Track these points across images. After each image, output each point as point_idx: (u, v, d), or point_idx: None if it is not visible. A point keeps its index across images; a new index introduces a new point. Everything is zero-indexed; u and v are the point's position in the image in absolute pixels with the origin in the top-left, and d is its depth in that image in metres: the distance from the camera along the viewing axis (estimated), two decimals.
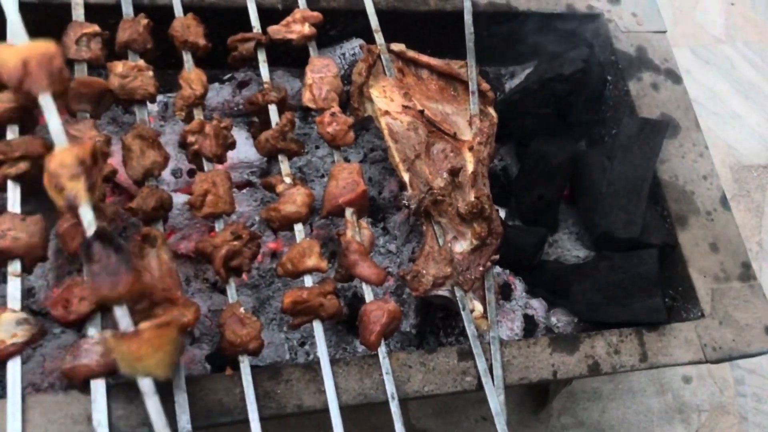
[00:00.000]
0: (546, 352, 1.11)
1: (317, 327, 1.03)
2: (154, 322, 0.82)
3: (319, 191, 1.23)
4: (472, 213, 1.12)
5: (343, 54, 1.34)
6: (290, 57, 1.36)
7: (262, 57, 1.20)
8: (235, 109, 1.32)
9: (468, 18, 1.33)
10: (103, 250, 0.82)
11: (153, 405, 0.83)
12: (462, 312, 1.10)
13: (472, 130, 1.23)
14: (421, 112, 1.21)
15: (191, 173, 1.21)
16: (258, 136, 1.26)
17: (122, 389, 0.94)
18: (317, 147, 1.34)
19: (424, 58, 1.29)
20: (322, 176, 1.32)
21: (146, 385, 0.82)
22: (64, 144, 0.89)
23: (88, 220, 0.83)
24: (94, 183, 0.85)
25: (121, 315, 0.82)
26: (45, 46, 0.93)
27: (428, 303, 1.21)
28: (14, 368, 0.90)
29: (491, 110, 1.28)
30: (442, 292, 1.11)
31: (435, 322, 1.25)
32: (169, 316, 0.87)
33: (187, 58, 1.16)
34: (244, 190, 1.23)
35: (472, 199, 1.15)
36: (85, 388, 0.92)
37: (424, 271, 1.10)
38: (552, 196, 1.29)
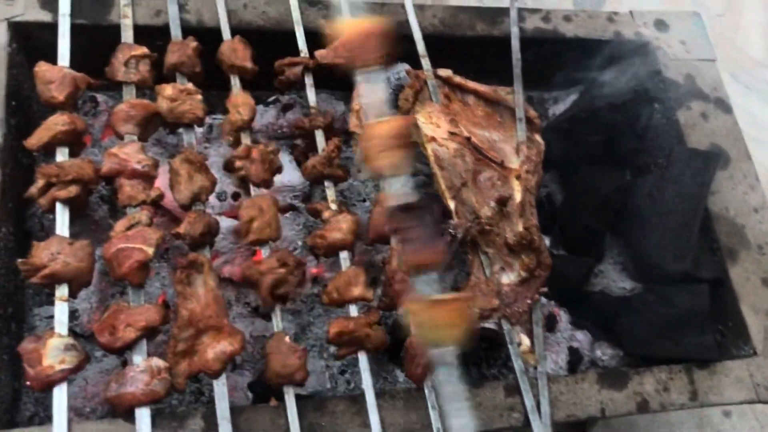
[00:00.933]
0: (594, 389, 1.08)
1: (362, 359, 1.01)
2: (457, 295, 0.90)
3: (361, 215, 1.22)
4: (521, 244, 1.10)
5: (388, 78, 1.33)
6: (334, 80, 1.35)
7: (309, 81, 1.19)
8: (279, 131, 1.31)
9: (515, 44, 1.32)
10: (417, 220, 0.85)
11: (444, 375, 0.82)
12: (509, 346, 1.08)
13: (519, 158, 1.22)
14: (468, 139, 1.19)
15: (236, 196, 1.21)
16: (301, 160, 1.26)
17: (166, 417, 0.92)
18: (359, 171, 1.32)
19: (471, 84, 1.27)
20: (364, 200, 1.31)
21: (437, 354, 0.83)
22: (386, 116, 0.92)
23: (404, 191, 0.85)
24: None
25: (431, 282, 0.84)
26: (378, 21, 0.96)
27: (472, 334, 1.18)
28: (61, 394, 0.89)
29: (538, 137, 1.27)
30: (489, 324, 1.09)
31: (478, 354, 1.23)
32: (471, 293, 0.95)
33: (235, 82, 1.16)
34: (287, 214, 1.22)
35: (520, 229, 1.13)
36: (129, 416, 0.91)
37: (470, 304, 1.08)
38: (600, 226, 1.26)
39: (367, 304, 1.06)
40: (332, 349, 1.18)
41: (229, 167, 1.10)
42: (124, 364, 1.07)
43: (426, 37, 1.28)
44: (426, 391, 1.00)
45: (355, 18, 0.96)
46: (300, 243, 1.21)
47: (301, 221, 1.24)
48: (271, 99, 1.33)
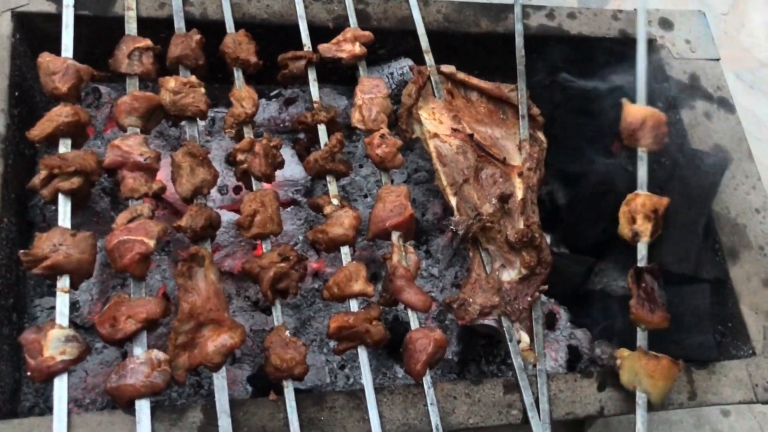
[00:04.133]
0: (593, 387, 1.08)
1: (362, 354, 1.01)
2: (669, 359, 1.05)
3: (362, 211, 1.22)
4: (522, 241, 1.10)
5: (391, 73, 1.33)
6: (336, 75, 1.35)
7: (312, 76, 1.19)
8: (281, 125, 1.31)
9: (519, 41, 1.31)
10: (652, 283, 1.11)
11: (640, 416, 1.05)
12: (509, 343, 1.08)
13: (521, 155, 1.21)
14: (470, 135, 1.19)
15: (237, 190, 1.21)
16: (303, 154, 1.26)
17: (166, 410, 0.93)
18: (361, 166, 1.32)
19: (474, 81, 1.27)
20: (365, 196, 1.30)
21: (640, 397, 1.06)
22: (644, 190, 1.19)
23: (643, 255, 1.14)
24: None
25: (642, 338, 1.09)
26: (658, 114, 1.23)
27: (471, 330, 1.19)
28: (61, 385, 0.89)
29: (541, 135, 1.26)
30: (489, 321, 1.09)
31: (476, 350, 1.23)
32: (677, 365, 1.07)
33: (238, 75, 1.15)
34: (289, 209, 1.22)
35: (522, 226, 1.13)
36: (129, 407, 0.91)
37: (471, 300, 1.08)
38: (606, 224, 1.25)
39: (368, 300, 1.06)
40: (332, 343, 1.18)
41: (231, 160, 1.10)
42: (125, 356, 1.08)
43: (430, 33, 1.28)
44: (425, 387, 1.00)
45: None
46: (301, 237, 1.21)
47: (302, 216, 1.24)
48: (273, 93, 1.33)
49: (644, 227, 1.16)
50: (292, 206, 1.23)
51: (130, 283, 1.11)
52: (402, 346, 1.04)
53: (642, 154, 1.23)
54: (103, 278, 1.10)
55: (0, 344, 0.93)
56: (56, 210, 1.07)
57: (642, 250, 1.15)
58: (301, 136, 1.34)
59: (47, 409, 1.04)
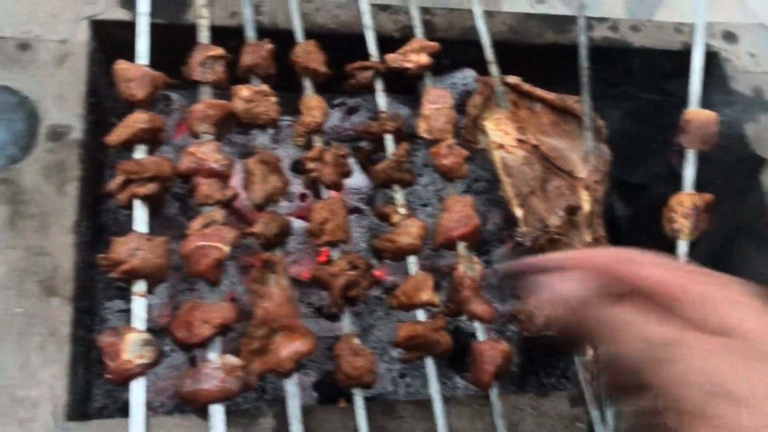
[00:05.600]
0: None
1: (429, 363, 1.01)
2: None
3: (424, 220, 1.22)
4: None
5: (454, 84, 1.33)
6: (397, 84, 1.35)
7: (379, 86, 1.19)
8: (343, 134, 1.33)
9: (583, 52, 1.30)
10: None
11: None
12: (575, 356, 1.07)
13: (587, 168, 1.21)
14: (536, 146, 1.19)
15: (303, 197, 1.22)
16: (365, 163, 1.27)
17: (238, 415, 0.94)
18: (420, 175, 1.33)
19: (539, 92, 1.27)
20: (425, 205, 1.31)
21: None
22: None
23: (683, 252, 1.10)
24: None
25: None
26: (705, 113, 1.17)
27: (532, 342, 1.18)
28: (138, 389, 0.90)
29: (605, 147, 1.26)
30: (553, 333, 1.08)
31: (536, 362, 1.23)
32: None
33: (307, 85, 1.17)
34: (352, 217, 1.23)
35: (588, 239, 1.12)
36: (202, 412, 0.93)
37: (537, 312, 1.08)
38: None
39: (433, 309, 1.07)
40: (394, 352, 1.19)
41: (300, 168, 1.12)
42: (192, 360, 1.09)
43: (494, 43, 1.28)
44: (492, 399, 1.00)
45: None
46: (364, 245, 1.22)
47: (365, 224, 1.25)
48: (336, 102, 1.34)
49: (683, 224, 1.12)
50: (355, 214, 1.24)
51: (199, 288, 1.14)
52: (468, 357, 1.05)
53: (689, 154, 1.17)
54: (172, 282, 1.12)
55: (75, 346, 0.95)
56: (129, 215, 1.09)
57: (682, 247, 1.11)
58: (363, 144, 1.35)
59: (116, 411, 1.06)
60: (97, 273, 1.11)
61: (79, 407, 0.99)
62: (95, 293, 1.11)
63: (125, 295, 1.13)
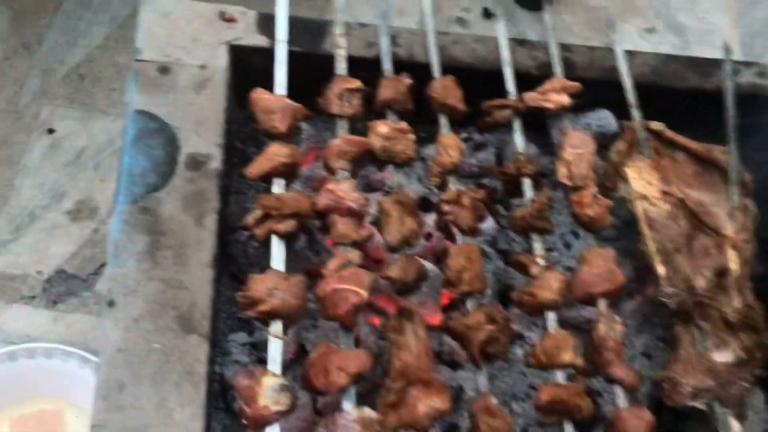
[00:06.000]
0: None
1: (568, 429, 0.95)
2: None
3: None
4: (742, 322, 1.02)
5: (589, 124, 1.27)
6: (525, 123, 1.30)
7: (517, 125, 1.15)
8: (467, 170, 1.28)
9: (729, 100, 1.23)
10: None
11: None
12: (719, 430, 1.00)
13: (734, 225, 1.13)
14: (682, 200, 1.12)
15: (428, 237, 1.18)
16: (488, 203, 1.22)
17: None
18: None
19: (682, 140, 1.20)
20: (550, 249, 1.25)
21: None
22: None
23: None
24: None
25: None
26: None
27: (661, 407, 1.11)
28: None
29: (751, 204, 1.18)
30: (699, 405, 1.02)
31: (665, 426, 1.16)
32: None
33: (444, 122, 1.13)
34: None
35: (738, 304, 1.05)
36: None
37: (683, 381, 1.01)
38: None
39: (573, 371, 1.01)
40: (515, 406, 1.14)
41: (435, 210, 1.07)
42: (314, 402, 1.06)
43: (635, 86, 1.22)
44: None
45: None
46: (489, 291, 1.17)
47: (490, 268, 1.20)
48: (463, 137, 1.29)
49: None
50: None
51: (323, 324, 1.11)
52: (605, 423, 0.99)
53: None
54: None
55: (210, 382, 0.93)
56: (259, 247, 1.07)
57: None
58: (485, 181, 1.30)
59: None
60: (221, 303, 1.09)
61: None
62: (218, 324, 1.09)
63: (248, 327, 1.10)
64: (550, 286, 1.02)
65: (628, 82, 1.21)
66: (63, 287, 1.57)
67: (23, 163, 1.72)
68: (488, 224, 1.22)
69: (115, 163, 1.03)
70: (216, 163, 1.03)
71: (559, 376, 0.98)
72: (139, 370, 0.88)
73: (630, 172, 1.15)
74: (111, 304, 0.91)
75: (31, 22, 1.92)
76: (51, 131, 1.77)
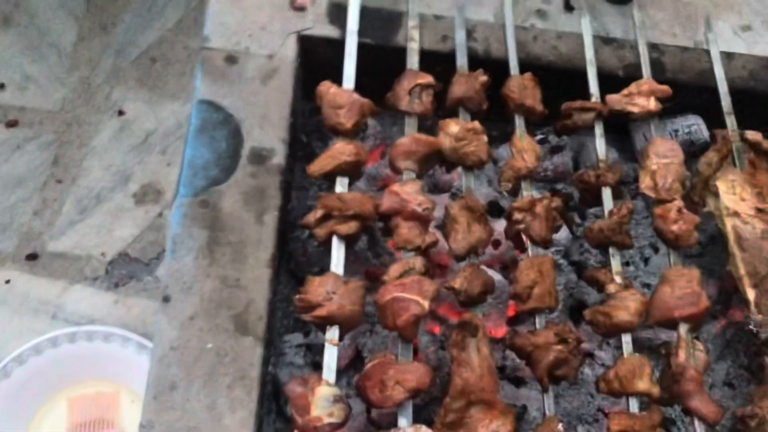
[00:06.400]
0: None
1: None
2: None
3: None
4: None
5: (675, 131, 1.18)
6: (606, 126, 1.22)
7: (599, 130, 1.07)
8: (542, 174, 1.21)
9: None
10: None
11: None
12: None
13: None
14: None
15: (496, 245, 1.11)
16: (562, 210, 1.15)
17: None
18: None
19: None
20: (626, 263, 1.17)
21: None
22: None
23: None
24: None
25: None
26: None
27: None
28: None
29: None
30: None
31: None
32: None
33: (520, 123, 1.06)
34: None
35: None
36: None
37: None
38: None
39: (647, 400, 0.93)
40: (581, 429, 1.07)
41: (505, 218, 1.01)
42: (368, 410, 1.02)
43: (731, 91, 1.12)
44: None
45: None
46: (560, 306, 1.10)
47: (562, 280, 1.13)
48: (538, 139, 1.22)
49: None
50: None
51: (380, 331, 1.07)
52: None
53: None
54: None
55: (263, 386, 0.89)
56: (318, 246, 1.03)
57: None
58: (560, 187, 1.23)
59: None
60: (278, 301, 1.06)
61: None
62: (274, 323, 1.06)
63: (305, 328, 1.07)
64: (627, 306, 0.94)
65: (723, 87, 1.12)
66: (125, 270, 1.58)
67: (92, 144, 1.73)
68: (561, 234, 1.14)
69: (181, 148, 1.01)
70: (279, 158, 1.00)
71: (633, 404, 0.91)
72: (191, 371, 0.86)
73: (721, 185, 1.05)
74: (166, 299, 0.89)
75: (108, 4, 1.93)
76: (121, 113, 1.78)
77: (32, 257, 1.58)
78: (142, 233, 1.63)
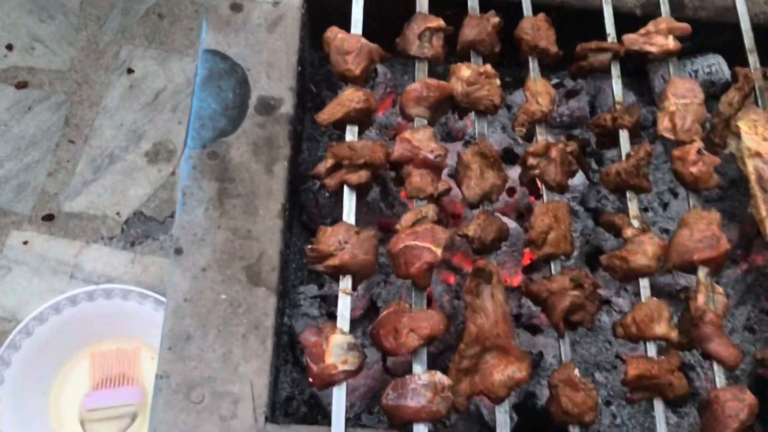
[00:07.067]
0: None
1: (658, 407, 0.87)
2: None
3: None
4: None
5: (696, 71, 1.14)
6: (622, 65, 1.19)
7: (615, 71, 1.03)
8: (558, 120, 1.18)
9: None
10: None
11: None
12: None
13: None
14: None
15: (511, 192, 1.10)
16: (580, 156, 1.12)
17: None
18: None
19: None
20: (645, 209, 1.15)
21: None
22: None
23: None
24: None
25: None
26: None
27: (763, 385, 1.02)
28: (340, 396, 0.83)
29: None
30: None
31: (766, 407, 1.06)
32: None
33: (533, 66, 1.03)
34: None
35: None
36: (403, 428, 0.85)
37: None
38: None
39: (665, 344, 0.92)
40: (599, 375, 1.06)
41: (519, 163, 0.99)
42: (384, 359, 1.02)
43: (753, 28, 1.08)
44: None
45: None
46: (576, 252, 1.09)
47: (577, 228, 1.11)
48: (553, 83, 1.19)
49: None
50: None
51: (394, 281, 1.06)
52: (700, 404, 0.90)
53: None
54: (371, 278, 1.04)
55: (278, 336, 0.89)
56: (330, 197, 1.02)
57: None
58: (576, 132, 1.20)
59: (303, 403, 1.01)
60: (291, 253, 1.05)
61: (273, 401, 0.94)
62: (288, 275, 1.05)
63: (319, 280, 1.07)
64: (644, 250, 0.92)
65: (746, 24, 1.07)
66: (140, 229, 1.58)
67: (103, 104, 1.72)
68: (578, 180, 1.12)
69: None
70: (288, 107, 0.98)
71: (651, 349, 0.89)
72: (205, 321, 0.86)
73: (743, 126, 1.02)
74: (178, 252, 0.89)
75: None
76: (130, 71, 1.77)
77: (48, 218, 1.59)
78: (156, 192, 1.62)
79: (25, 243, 1.56)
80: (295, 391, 1.02)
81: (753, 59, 1.06)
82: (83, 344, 1.39)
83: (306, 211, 1.07)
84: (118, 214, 1.59)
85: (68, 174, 1.64)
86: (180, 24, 1.84)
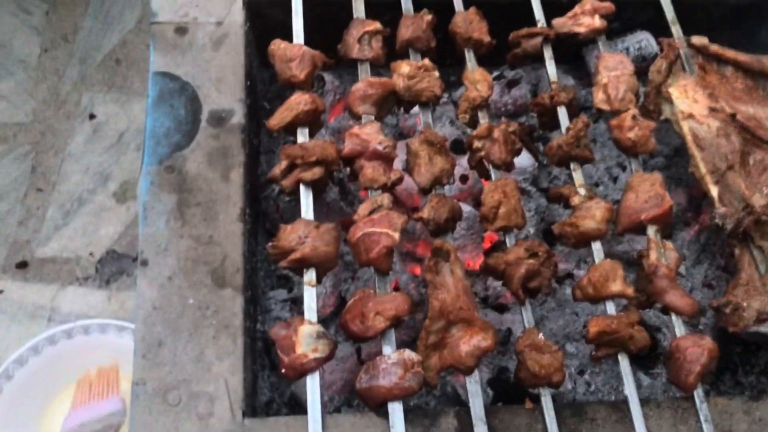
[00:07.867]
0: None
1: (623, 362, 0.90)
2: None
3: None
4: None
5: (627, 48, 1.20)
6: (558, 52, 1.24)
7: (548, 54, 1.09)
8: (503, 109, 1.23)
9: None
10: None
11: None
12: None
13: None
14: (733, 116, 1.04)
15: (464, 179, 1.14)
16: (526, 140, 1.17)
17: (418, 414, 0.87)
18: None
19: (730, 53, 1.12)
20: (596, 184, 1.19)
21: None
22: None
23: None
24: None
25: None
26: None
27: (728, 337, 1.05)
28: (313, 384, 0.86)
29: None
30: (765, 329, 0.95)
31: (733, 359, 1.09)
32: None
33: (470, 57, 1.08)
34: None
35: None
36: (379, 409, 0.87)
37: (745, 304, 0.94)
38: None
39: (624, 302, 0.96)
40: (571, 347, 1.09)
41: (466, 147, 1.03)
42: (358, 352, 1.04)
43: (674, 2, 1.14)
44: (697, 402, 0.89)
45: None
46: (532, 230, 1.12)
47: (532, 206, 1.15)
48: (494, 75, 1.24)
49: None
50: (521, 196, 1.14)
51: (362, 276, 1.09)
52: (665, 357, 0.93)
53: None
54: (335, 270, 1.07)
55: (247, 338, 0.92)
56: (290, 201, 1.06)
57: None
58: (522, 120, 1.25)
59: (283, 405, 1.03)
60: (259, 261, 1.08)
61: (251, 401, 0.96)
62: (258, 282, 1.08)
63: (287, 284, 1.09)
64: (593, 215, 0.96)
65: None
66: (114, 267, 1.60)
67: (68, 150, 1.75)
68: (528, 162, 1.17)
69: None
70: (239, 117, 1.02)
71: (610, 308, 0.93)
72: (175, 327, 0.88)
73: (674, 91, 1.08)
74: (144, 263, 0.91)
75: (66, 14, 1.95)
76: (92, 116, 1.80)
77: (22, 265, 1.60)
78: (127, 229, 1.65)
79: (1, 292, 1.57)
80: (275, 394, 1.03)
81: (676, 30, 1.12)
82: (67, 381, 1.39)
83: (268, 218, 1.10)
84: (91, 254, 1.61)
85: (39, 221, 1.66)
86: (137, 67, 1.88)
